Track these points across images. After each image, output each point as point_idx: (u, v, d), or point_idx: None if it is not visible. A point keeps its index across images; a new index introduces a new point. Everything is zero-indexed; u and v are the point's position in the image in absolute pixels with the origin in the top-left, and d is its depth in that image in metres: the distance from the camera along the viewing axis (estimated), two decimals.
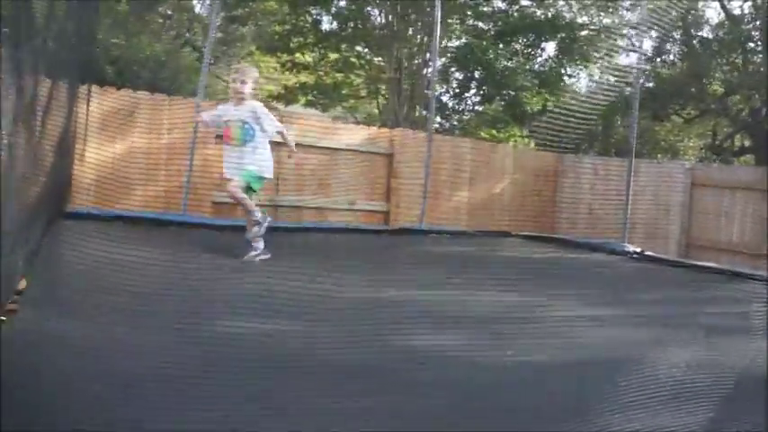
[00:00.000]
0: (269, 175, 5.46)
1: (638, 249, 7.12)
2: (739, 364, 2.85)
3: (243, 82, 5.23)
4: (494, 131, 15.89)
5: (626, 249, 7.05)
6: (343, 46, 15.64)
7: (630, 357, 2.90)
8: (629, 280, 5.55)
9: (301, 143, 8.83)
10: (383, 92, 16.51)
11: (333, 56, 15.80)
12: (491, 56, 13.00)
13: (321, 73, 16.39)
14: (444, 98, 15.69)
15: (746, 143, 14.33)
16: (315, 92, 15.96)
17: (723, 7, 12.74)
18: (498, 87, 13.58)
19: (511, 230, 9.48)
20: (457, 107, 15.93)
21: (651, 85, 14.84)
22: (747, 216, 9.12)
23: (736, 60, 12.59)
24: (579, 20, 15.36)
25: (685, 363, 2.79)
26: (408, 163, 9.51)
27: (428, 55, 15.48)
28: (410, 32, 14.82)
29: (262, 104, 5.48)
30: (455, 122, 16.63)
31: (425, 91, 14.99)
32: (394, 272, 4.64)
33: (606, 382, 2.52)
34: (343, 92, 16.49)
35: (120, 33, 10.84)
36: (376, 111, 17.53)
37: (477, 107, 16.39)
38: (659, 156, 17.93)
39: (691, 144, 18.22)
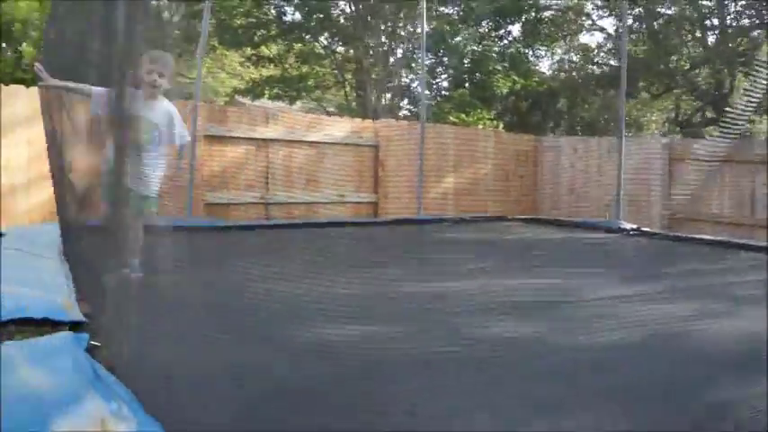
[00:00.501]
0: (155, 194, 4.21)
1: (634, 226, 7.28)
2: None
3: (161, 75, 4.05)
4: (462, 116, 15.99)
5: (622, 227, 7.19)
6: (308, 37, 15.55)
7: (695, 329, 2.99)
8: (642, 256, 5.69)
9: (289, 138, 8.84)
10: (350, 81, 16.48)
11: (298, 47, 15.68)
12: (460, 41, 13.06)
13: (287, 65, 16.26)
14: (414, 84, 15.71)
15: (708, 115, 14.70)
16: (281, 85, 15.82)
17: None
18: (469, 72, 13.66)
19: (499, 214, 9.64)
20: (426, 93, 15.95)
21: (614, 62, 15.15)
22: (726, 187, 9.37)
23: (699, 36, 12.90)
24: (542, 1, 15.54)
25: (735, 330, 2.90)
26: (394, 153, 9.53)
27: (392, 43, 15.53)
28: (376, 22, 14.78)
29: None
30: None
31: (405, 78, 15.02)
32: (434, 263, 4.65)
33: (684, 354, 2.60)
34: (309, 83, 16.39)
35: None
36: (342, 101, 17.48)
37: (444, 92, 16.48)
38: (626, 131, 18.28)
39: (653, 118, 18.65)
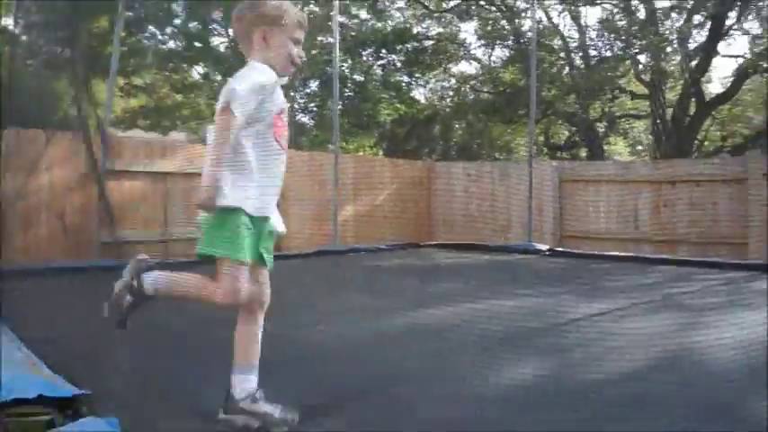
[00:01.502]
0: None
1: (547, 246, 7.54)
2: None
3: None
4: (343, 144, 16.03)
5: (537, 248, 7.43)
6: (185, 66, 15.03)
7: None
8: (574, 273, 5.89)
9: (188, 171, 8.39)
10: None
11: (175, 76, 15.10)
12: (346, 71, 13.10)
13: (161, 94, 15.61)
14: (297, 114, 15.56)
15: (576, 139, 15.67)
16: (154, 114, 15.17)
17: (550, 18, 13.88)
18: (354, 100, 13.72)
19: (396, 240, 9.71)
20: (307, 122, 15.88)
21: (488, 92, 15.81)
22: (612, 206, 9.97)
23: (570, 66, 13.77)
24: (414, 31, 15.90)
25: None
26: (294, 184, 9.34)
27: None
28: None
29: None
30: (303, 138, 16.55)
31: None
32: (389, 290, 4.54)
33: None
34: (185, 112, 15.84)
35: None
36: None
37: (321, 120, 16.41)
38: (497, 154, 19.12)
39: (522, 142, 19.60)
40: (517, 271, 6.28)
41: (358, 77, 14.62)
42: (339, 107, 15.27)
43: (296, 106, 15.87)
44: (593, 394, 2.39)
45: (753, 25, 12.05)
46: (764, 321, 3.62)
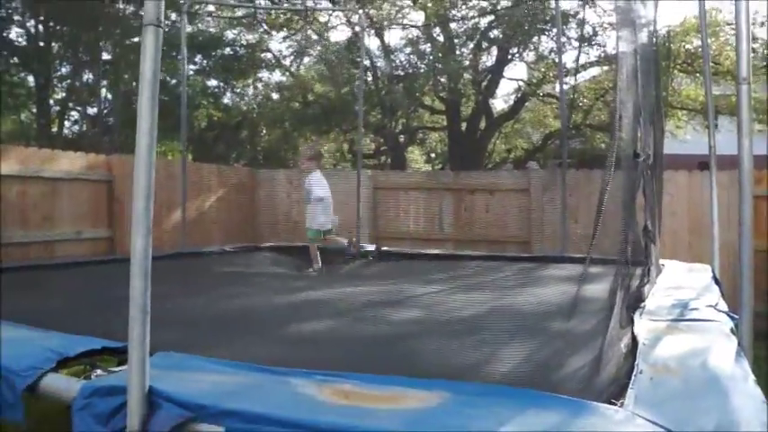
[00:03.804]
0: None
1: (375, 247, 8.56)
2: None
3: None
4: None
5: (368, 250, 8.40)
6: None
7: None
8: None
9: (22, 175, 8.28)
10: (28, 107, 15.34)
11: None
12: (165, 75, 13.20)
13: None
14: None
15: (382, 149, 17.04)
16: None
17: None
18: (168, 105, 13.83)
19: (224, 244, 10.27)
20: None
21: (299, 101, 16.63)
22: (420, 210, 11.30)
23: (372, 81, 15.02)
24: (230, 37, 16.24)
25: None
26: (130, 188, 9.49)
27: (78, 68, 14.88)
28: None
29: None
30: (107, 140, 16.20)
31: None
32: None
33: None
34: None
35: None
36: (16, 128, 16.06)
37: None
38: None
39: (326, 148, 20.68)
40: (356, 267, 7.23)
41: (171, 80, 14.70)
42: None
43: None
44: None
45: (530, 56, 14.14)
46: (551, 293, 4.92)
